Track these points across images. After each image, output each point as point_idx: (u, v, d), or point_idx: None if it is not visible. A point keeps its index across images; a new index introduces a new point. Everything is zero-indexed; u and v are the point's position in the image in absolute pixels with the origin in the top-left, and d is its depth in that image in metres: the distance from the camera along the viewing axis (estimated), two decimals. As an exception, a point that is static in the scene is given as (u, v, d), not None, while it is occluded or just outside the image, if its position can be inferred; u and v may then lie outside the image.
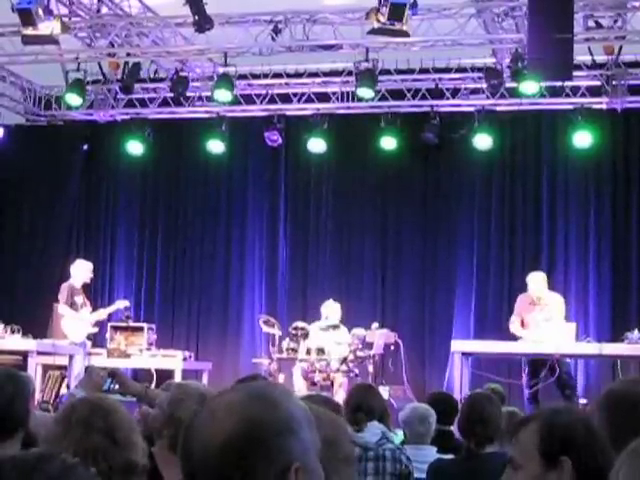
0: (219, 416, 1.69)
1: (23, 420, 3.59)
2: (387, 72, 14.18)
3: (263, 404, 1.70)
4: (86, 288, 13.73)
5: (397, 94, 14.53)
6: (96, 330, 13.29)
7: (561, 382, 11.79)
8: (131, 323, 13.94)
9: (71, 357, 12.41)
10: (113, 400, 3.41)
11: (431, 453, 6.26)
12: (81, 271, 13.38)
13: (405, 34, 10.72)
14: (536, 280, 12.31)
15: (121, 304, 13.79)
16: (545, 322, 11.83)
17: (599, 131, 13.88)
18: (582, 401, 11.95)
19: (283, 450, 1.67)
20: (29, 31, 11.07)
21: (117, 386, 4.90)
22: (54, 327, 13.92)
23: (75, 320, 12.96)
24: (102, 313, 13.46)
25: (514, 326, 12.14)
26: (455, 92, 14.43)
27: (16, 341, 12.12)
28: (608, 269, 14.16)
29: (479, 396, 6.05)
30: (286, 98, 14.91)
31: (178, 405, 3.91)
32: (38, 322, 13.86)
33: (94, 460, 2.95)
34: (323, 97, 14.79)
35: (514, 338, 12.12)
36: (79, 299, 13.11)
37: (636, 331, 11.19)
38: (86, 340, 13.03)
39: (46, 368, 13.37)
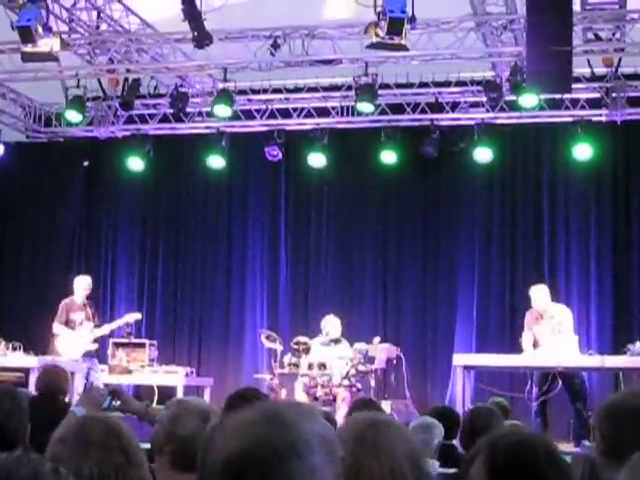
0: (228, 434, 1.69)
1: (21, 436, 3.59)
2: (387, 86, 14.21)
3: (272, 425, 1.68)
4: (97, 304, 13.62)
5: (397, 108, 14.54)
6: (94, 347, 12.88)
7: (574, 395, 11.73)
8: (133, 339, 13.91)
9: (72, 374, 12.37)
10: (119, 418, 3.41)
11: (433, 467, 6.23)
12: (78, 287, 13.13)
13: (404, 48, 10.71)
14: (538, 293, 12.23)
15: (131, 317, 13.48)
16: (552, 335, 11.77)
17: (599, 143, 13.88)
18: (592, 414, 11.89)
19: (284, 473, 1.65)
20: (29, 48, 11.07)
21: (118, 404, 4.88)
22: (55, 344, 13.89)
23: (69, 338, 12.71)
24: (105, 329, 13.09)
25: (524, 341, 12.03)
26: (455, 106, 14.45)
27: (17, 358, 12.12)
28: (609, 281, 14.14)
29: (480, 410, 6.03)
30: (286, 113, 14.94)
31: (178, 421, 3.89)
32: (39, 339, 13.83)
33: (116, 479, 2.96)
34: (323, 112, 14.81)
35: (516, 351, 12.08)
36: (78, 315, 12.85)
37: (638, 343, 11.16)
38: (92, 357, 12.84)
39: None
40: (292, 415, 1.71)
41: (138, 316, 13.63)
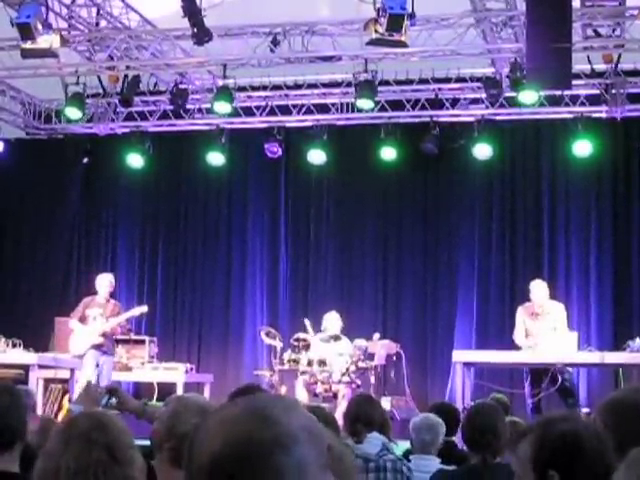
0: (212, 432, 1.67)
1: (20, 432, 3.58)
2: (386, 83, 14.19)
3: (255, 420, 1.66)
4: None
5: (396, 105, 14.53)
6: (100, 341, 12.43)
7: (564, 391, 11.74)
8: (132, 336, 13.89)
9: (72, 370, 12.36)
10: (113, 415, 3.40)
11: (434, 464, 6.23)
12: (99, 284, 12.89)
13: (404, 45, 10.71)
14: (539, 287, 12.20)
15: (137, 311, 13.13)
16: (552, 331, 11.75)
17: (599, 140, 13.88)
18: (584, 410, 11.91)
19: (273, 468, 1.63)
20: (28, 45, 11.07)
21: (115, 401, 4.88)
22: (56, 340, 13.88)
23: (80, 334, 12.50)
24: (112, 322, 12.63)
25: (519, 337, 12.00)
26: (454, 102, 14.44)
27: (17, 355, 12.10)
28: (609, 277, 14.14)
29: (482, 406, 6.01)
30: (286, 110, 14.92)
31: (178, 418, 3.88)
32: (39, 336, 13.85)
33: (94, 475, 2.94)
34: (323, 108, 14.80)
35: (516, 348, 12.08)
36: (94, 311, 12.57)
37: (638, 339, 11.15)
38: (105, 351, 12.61)
39: (48, 382, 13.33)
40: (275, 409, 1.70)
41: (144, 309, 13.23)
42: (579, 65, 12.55)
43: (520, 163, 14.86)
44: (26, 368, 11.83)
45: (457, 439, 6.95)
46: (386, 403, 11.77)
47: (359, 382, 12.44)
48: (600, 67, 13.51)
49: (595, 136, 13.82)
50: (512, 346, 12.33)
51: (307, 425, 1.71)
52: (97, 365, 12.36)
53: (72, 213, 16.25)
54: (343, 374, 12.30)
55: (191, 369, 13.96)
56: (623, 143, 14.36)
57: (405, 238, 15.14)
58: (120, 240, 16.21)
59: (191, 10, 11.30)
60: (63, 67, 13.72)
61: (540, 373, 11.66)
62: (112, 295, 13.02)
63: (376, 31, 10.53)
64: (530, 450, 2.62)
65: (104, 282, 12.92)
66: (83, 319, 12.61)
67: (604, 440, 2.66)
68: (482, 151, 14.21)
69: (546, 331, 11.73)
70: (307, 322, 13.04)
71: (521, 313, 12.17)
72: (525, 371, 11.99)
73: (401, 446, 7.18)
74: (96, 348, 12.44)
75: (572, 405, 11.65)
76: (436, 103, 14.35)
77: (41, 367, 12.24)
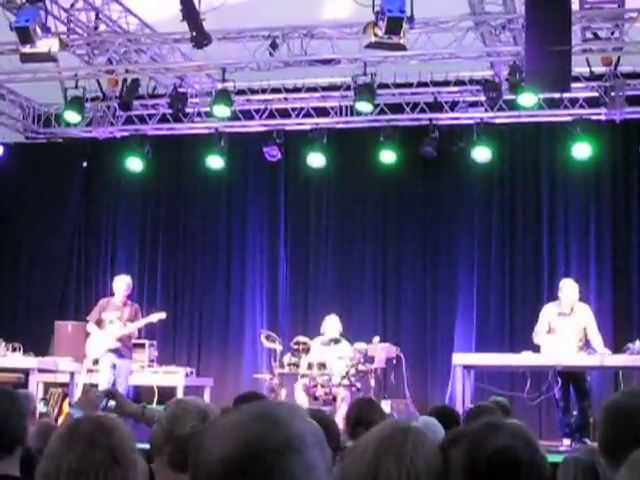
0: (221, 436, 1.70)
1: (20, 437, 3.59)
2: (385, 86, 14.21)
3: (264, 423, 1.70)
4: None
5: (396, 108, 14.53)
6: (116, 345, 12.47)
7: (581, 394, 11.73)
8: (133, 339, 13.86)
9: (72, 374, 12.36)
10: (116, 419, 3.40)
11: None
12: (116, 287, 12.95)
13: (403, 48, 10.71)
14: (570, 287, 12.05)
15: (155, 317, 13.07)
16: (579, 332, 11.67)
17: (598, 142, 13.87)
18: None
19: (284, 469, 1.67)
20: (27, 49, 11.07)
21: (114, 405, 4.88)
22: (56, 344, 13.88)
23: (96, 338, 12.52)
24: (130, 327, 12.67)
25: (540, 337, 11.83)
26: (454, 105, 14.44)
27: (17, 359, 12.11)
28: (609, 280, 14.14)
29: (481, 408, 6.02)
30: (285, 113, 14.93)
31: (177, 421, 3.89)
32: (39, 340, 13.84)
33: (96, 477, 2.95)
34: (322, 112, 14.81)
35: (516, 350, 12.06)
36: (110, 315, 12.59)
37: (637, 342, 11.14)
38: (121, 355, 12.54)
39: (47, 386, 13.32)
40: (284, 413, 1.74)
41: (163, 316, 13.17)
42: (578, 68, 12.55)
43: (519, 166, 14.86)
44: (26, 372, 11.84)
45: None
46: (386, 406, 11.74)
47: (359, 385, 12.43)
48: (599, 70, 13.50)
49: (594, 139, 13.81)
50: (512, 349, 12.33)
51: (313, 431, 1.75)
52: (114, 367, 12.37)
53: (71, 217, 16.24)
54: (343, 377, 12.29)
55: (191, 373, 13.96)
56: (622, 145, 14.36)
57: (404, 241, 15.13)
58: (119, 243, 16.20)
59: (190, 14, 11.30)
60: (62, 71, 13.72)
61: (568, 376, 11.67)
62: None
63: (375, 34, 10.52)
64: (463, 462, 2.55)
65: (121, 285, 12.96)
66: (99, 322, 12.63)
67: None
68: (481, 154, 14.21)
69: (573, 331, 11.66)
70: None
71: (548, 311, 12.04)
72: (552, 374, 11.81)
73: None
74: (112, 352, 12.47)
75: (586, 409, 11.62)
76: (435, 106, 14.35)
77: (41, 371, 12.24)
